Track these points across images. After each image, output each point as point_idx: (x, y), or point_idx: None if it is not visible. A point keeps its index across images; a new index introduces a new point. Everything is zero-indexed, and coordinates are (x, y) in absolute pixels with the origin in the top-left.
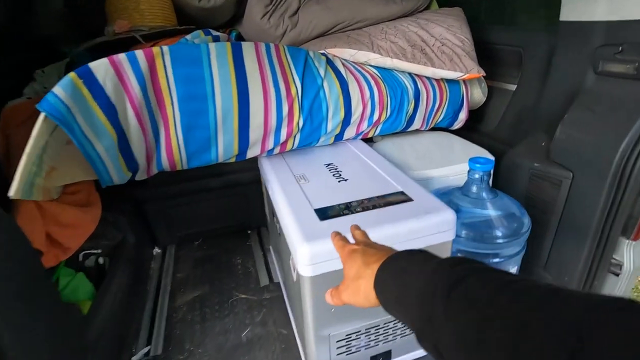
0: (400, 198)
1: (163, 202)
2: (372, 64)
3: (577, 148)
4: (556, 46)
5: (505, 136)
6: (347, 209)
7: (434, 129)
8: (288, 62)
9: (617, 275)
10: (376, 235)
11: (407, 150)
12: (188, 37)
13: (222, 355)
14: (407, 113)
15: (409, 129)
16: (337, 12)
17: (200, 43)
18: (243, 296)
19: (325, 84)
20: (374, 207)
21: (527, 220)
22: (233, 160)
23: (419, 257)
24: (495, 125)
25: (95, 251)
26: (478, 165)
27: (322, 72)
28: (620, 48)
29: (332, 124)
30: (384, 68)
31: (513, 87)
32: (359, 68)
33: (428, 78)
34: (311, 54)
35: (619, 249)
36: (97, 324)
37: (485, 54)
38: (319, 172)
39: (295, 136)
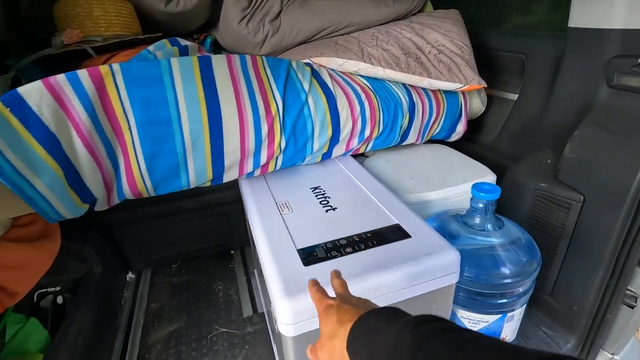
0: (397, 234)
1: (135, 225)
2: (363, 74)
3: (589, 169)
4: (564, 54)
5: (505, 149)
6: (336, 249)
7: (429, 141)
8: (267, 75)
9: (632, 307)
10: (369, 284)
11: (402, 167)
12: (150, 48)
13: None
14: (401, 127)
15: (403, 144)
16: (323, 15)
17: (162, 58)
18: (224, 330)
19: (310, 100)
20: (366, 246)
21: (537, 255)
22: (208, 184)
23: (389, 316)
24: (495, 136)
25: (53, 289)
26: (483, 194)
27: (306, 86)
28: (638, 60)
29: (319, 143)
30: (376, 79)
31: (514, 97)
32: (348, 79)
33: (424, 89)
34: (294, 64)
35: (635, 280)
36: None
37: (484, 61)
38: (304, 198)
39: (277, 158)
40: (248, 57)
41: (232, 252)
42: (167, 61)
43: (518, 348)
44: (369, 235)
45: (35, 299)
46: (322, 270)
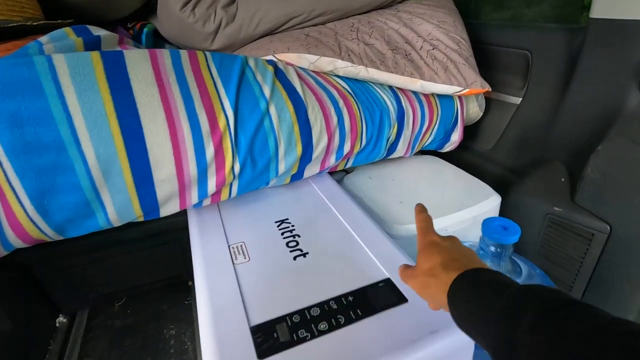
0: (389, 296)
1: (62, 260)
2: (340, 75)
3: (618, 194)
4: (582, 51)
5: (505, 159)
6: (305, 325)
7: (420, 151)
8: (212, 77)
9: None
10: None
11: (389, 187)
12: (43, 39)
13: None
14: (388, 140)
15: (390, 157)
16: (291, 0)
17: (53, 53)
18: None
19: (272, 109)
20: (347, 319)
21: None
22: (141, 219)
23: (499, 278)
24: (493, 144)
25: None
26: (497, 235)
27: (267, 91)
28: None
29: (286, 163)
30: (357, 80)
31: (516, 100)
32: (323, 82)
33: (414, 92)
34: (251, 63)
35: None
36: None
37: (481, 58)
38: (267, 238)
39: (231, 184)
40: (183, 53)
41: (190, 283)
42: (45, 59)
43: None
44: (351, 299)
45: None
46: None
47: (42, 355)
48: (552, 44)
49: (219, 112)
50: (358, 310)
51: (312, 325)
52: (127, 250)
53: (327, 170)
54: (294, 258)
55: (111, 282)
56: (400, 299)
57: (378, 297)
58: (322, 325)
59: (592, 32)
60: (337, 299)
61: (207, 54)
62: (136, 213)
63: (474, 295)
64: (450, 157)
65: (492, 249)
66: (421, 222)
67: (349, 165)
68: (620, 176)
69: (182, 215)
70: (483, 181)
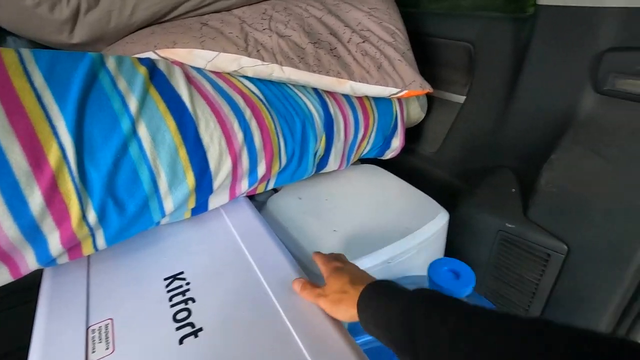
0: None
1: None
2: (249, 75)
3: (576, 210)
4: (530, 44)
5: (451, 164)
6: None
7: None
8: (34, 88)
9: None
10: None
11: (321, 210)
12: None
13: None
14: (315, 155)
15: (323, 172)
16: None
17: None
18: None
19: (141, 128)
20: None
21: None
22: None
23: (396, 286)
24: (438, 147)
25: None
26: (445, 287)
27: (133, 104)
28: None
29: (174, 200)
30: (270, 82)
31: (460, 99)
32: (224, 86)
33: (345, 95)
34: (110, 64)
35: None
36: None
37: (419, 51)
38: (147, 308)
39: (93, 236)
40: None
41: None
42: None
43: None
44: None
45: None
46: None
47: None
48: (496, 35)
49: (47, 141)
50: None
51: None
52: None
53: (244, 195)
54: (180, 341)
55: None
56: None
57: None
58: None
59: (541, 22)
60: None
61: (25, 52)
62: None
63: (378, 301)
64: (393, 162)
65: None
66: (321, 257)
67: (270, 187)
68: (578, 190)
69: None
70: (428, 188)
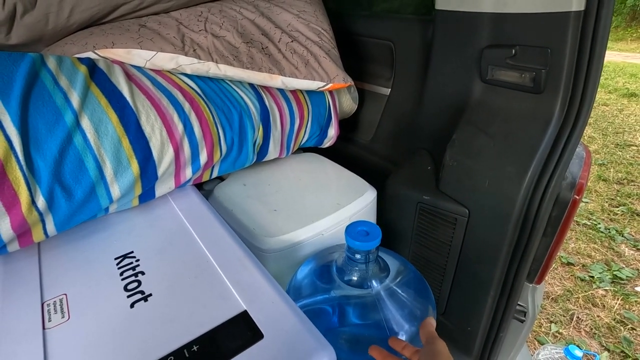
0: (243, 335)
1: None
2: (188, 72)
3: (470, 179)
4: (432, 42)
5: (383, 150)
6: None
7: (301, 148)
8: None
9: (522, 322)
10: None
11: (263, 194)
12: None
13: None
14: (255, 144)
15: (265, 160)
16: None
17: None
18: None
19: (84, 121)
20: None
21: (432, 299)
22: None
23: None
24: (371, 136)
25: None
26: (358, 242)
27: (75, 100)
28: (513, 51)
29: (120, 186)
30: (208, 78)
31: (386, 91)
32: (163, 82)
33: (280, 89)
34: (51, 63)
35: (523, 294)
36: None
37: (350, 49)
38: (98, 284)
39: (43, 222)
40: None
41: None
42: None
43: None
44: (195, 349)
45: None
46: None
47: None
48: (410, 34)
49: None
50: (208, 356)
51: None
52: None
53: (188, 184)
54: (131, 305)
55: None
56: (256, 336)
57: (230, 337)
58: None
59: (438, 24)
60: (178, 351)
61: None
62: None
63: None
64: (335, 151)
65: (358, 256)
66: (427, 326)
67: (215, 174)
68: (472, 163)
69: None
70: (365, 173)
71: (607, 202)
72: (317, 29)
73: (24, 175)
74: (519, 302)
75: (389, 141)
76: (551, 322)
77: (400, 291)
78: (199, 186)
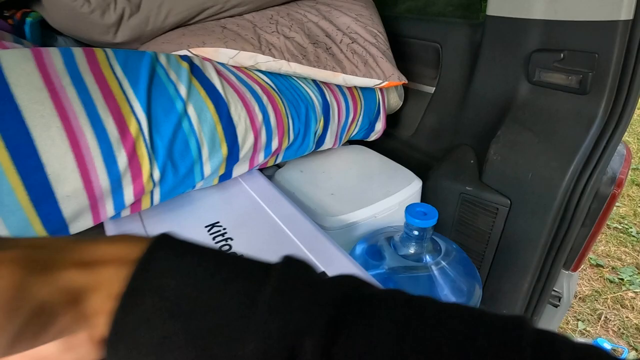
0: None
1: None
2: (262, 70)
3: (514, 173)
4: (481, 45)
5: (424, 145)
6: None
7: (347, 141)
8: (117, 77)
9: (556, 307)
10: None
11: (319, 180)
12: None
13: None
14: (315, 134)
15: (319, 150)
16: None
17: None
18: None
19: (190, 109)
20: None
21: (478, 278)
22: None
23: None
24: (413, 132)
25: None
26: (418, 220)
27: (183, 90)
28: (562, 55)
29: (211, 165)
30: (279, 75)
31: (430, 90)
32: (244, 78)
33: (338, 86)
34: (162, 59)
35: (559, 281)
36: None
37: (397, 50)
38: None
39: (152, 192)
40: (77, 51)
41: None
42: None
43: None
44: None
45: None
46: None
47: None
48: (458, 37)
49: (128, 116)
50: None
51: None
52: None
53: (256, 168)
54: None
55: None
56: None
57: None
58: None
59: (488, 28)
60: None
61: (108, 51)
62: (38, 234)
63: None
64: (376, 145)
65: (415, 232)
66: None
67: (279, 160)
68: (515, 158)
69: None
70: (406, 166)
71: (639, 206)
72: (374, 32)
73: (147, 151)
74: (554, 288)
75: (430, 137)
76: (578, 320)
77: (449, 268)
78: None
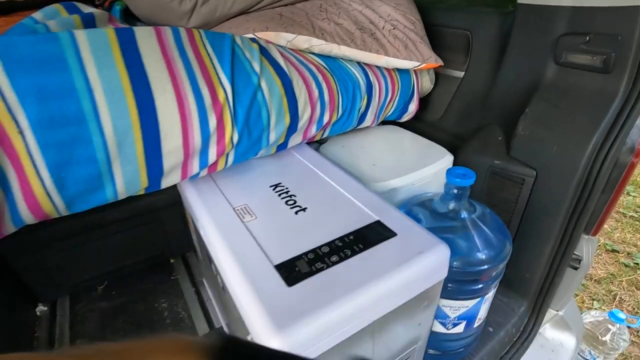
0: (381, 233)
1: (39, 250)
2: (315, 52)
3: (540, 146)
4: (511, 31)
5: (451, 127)
6: (319, 259)
7: (382, 122)
8: (209, 54)
9: (576, 269)
10: (367, 297)
11: (360, 153)
12: (37, 15)
13: None
14: (359, 110)
15: (359, 127)
16: None
17: (58, 30)
18: None
19: (263, 83)
20: (353, 251)
21: (509, 238)
22: (142, 192)
23: None
24: (441, 114)
25: None
26: (458, 179)
27: (256, 67)
28: (587, 38)
29: (276, 133)
30: (329, 57)
31: (459, 74)
32: (301, 58)
33: (379, 67)
34: (238, 40)
35: (579, 245)
36: None
37: (430, 37)
38: (266, 200)
39: (228, 154)
40: (182, 30)
41: (171, 261)
42: (68, 34)
43: None
44: (352, 238)
45: None
46: (310, 290)
47: (29, 343)
48: (489, 25)
49: (217, 86)
50: (360, 244)
51: (325, 259)
52: (107, 234)
53: (306, 141)
54: (296, 213)
55: (91, 267)
56: (391, 234)
57: (372, 234)
58: (334, 258)
59: (519, 16)
60: (340, 239)
61: (201, 31)
62: (142, 185)
63: None
64: (407, 127)
65: (455, 191)
66: None
67: (326, 135)
68: (542, 132)
69: (162, 193)
70: None
71: None
72: (412, 19)
73: (231, 116)
74: (574, 252)
75: (458, 119)
76: (594, 299)
77: (482, 224)
78: None
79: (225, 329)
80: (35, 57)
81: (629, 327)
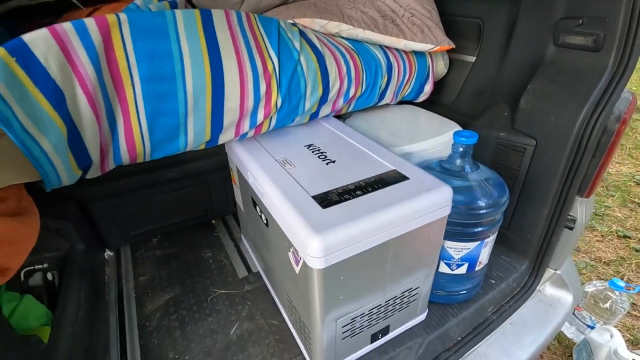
0: (396, 178)
1: (112, 199)
2: (344, 36)
3: (540, 117)
4: (517, 18)
5: (464, 108)
6: (347, 193)
7: (398, 102)
8: (261, 33)
9: (571, 229)
10: (382, 219)
11: (381, 126)
12: (138, 1)
13: (213, 359)
14: (380, 88)
15: (380, 104)
16: None
17: (159, 10)
18: (222, 291)
19: (302, 59)
20: (373, 189)
21: (506, 190)
22: (203, 147)
23: None
24: (454, 97)
25: (40, 266)
26: (463, 139)
27: (297, 45)
28: (580, 21)
29: (310, 102)
30: (356, 40)
31: (471, 59)
32: (332, 40)
33: (398, 50)
34: (282, 24)
35: (574, 206)
36: (62, 352)
37: (444, 26)
38: (302, 155)
39: (271, 117)
40: (243, 14)
41: (213, 222)
42: (172, 13)
43: None
44: (372, 180)
45: (23, 278)
46: (339, 211)
47: (102, 277)
48: (498, 13)
49: (267, 59)
50: (379, 184)
51: (351, 192)
52: (164, 191)
53: (334, 113)
54: (327, 164)
55: (148, 221)
56: (404, 178)
57: (389, 178)
58: (358, 192)
59: (524, 3)
60: (364, 180)
61: (255, 15)
62: (205, 138)
63: None
64: (422, 108)
65: (461, 149)
66: None
67: (350, 109)
68: (542, 105)
69: (208, 158)
70: None
71: None
72: (428, 8)
73: (277, 84)
74: (570, 213)
75: (471, 100)
76: (601, 279)
77: (484, 179)
78: None
79: (262, 274)
80: (150, 27)
81: (627, 293)
